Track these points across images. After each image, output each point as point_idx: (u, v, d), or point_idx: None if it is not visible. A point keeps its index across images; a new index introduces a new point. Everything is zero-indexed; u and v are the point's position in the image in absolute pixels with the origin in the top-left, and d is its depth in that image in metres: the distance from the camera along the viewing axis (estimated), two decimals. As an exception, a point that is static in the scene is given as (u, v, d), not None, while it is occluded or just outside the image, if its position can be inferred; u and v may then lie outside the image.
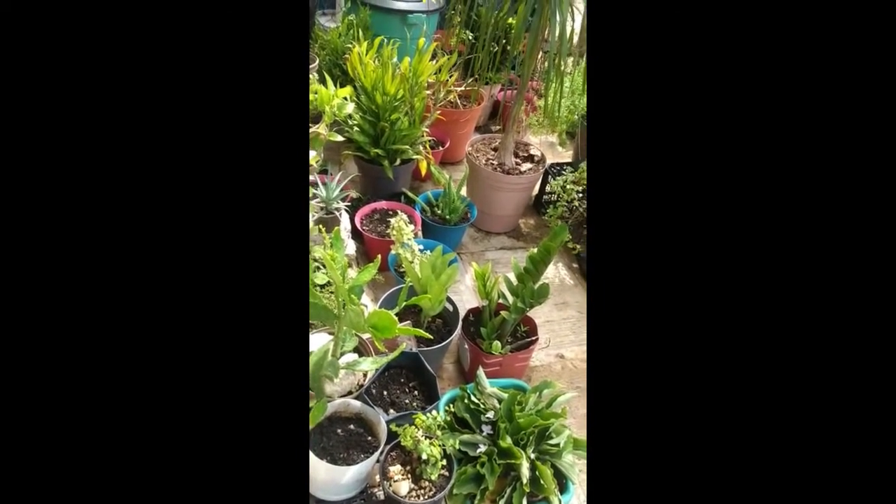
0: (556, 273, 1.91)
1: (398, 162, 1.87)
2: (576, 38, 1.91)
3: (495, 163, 1.95)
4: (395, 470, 1.06)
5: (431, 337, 1.14)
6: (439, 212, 1.83)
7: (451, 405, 1.20)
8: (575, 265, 1.94)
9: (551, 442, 1.17)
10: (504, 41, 2.33)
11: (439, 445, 1.03)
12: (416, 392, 1.24)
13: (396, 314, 1.25)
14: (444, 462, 1.04)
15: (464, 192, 1.92)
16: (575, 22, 1.70)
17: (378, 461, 1.06)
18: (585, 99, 2.29)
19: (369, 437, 1.09)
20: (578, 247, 1.81)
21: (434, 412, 1.06)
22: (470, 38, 2.29)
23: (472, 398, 1.22)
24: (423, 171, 1.97)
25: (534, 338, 1.44)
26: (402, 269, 1.52)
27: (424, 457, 0.99)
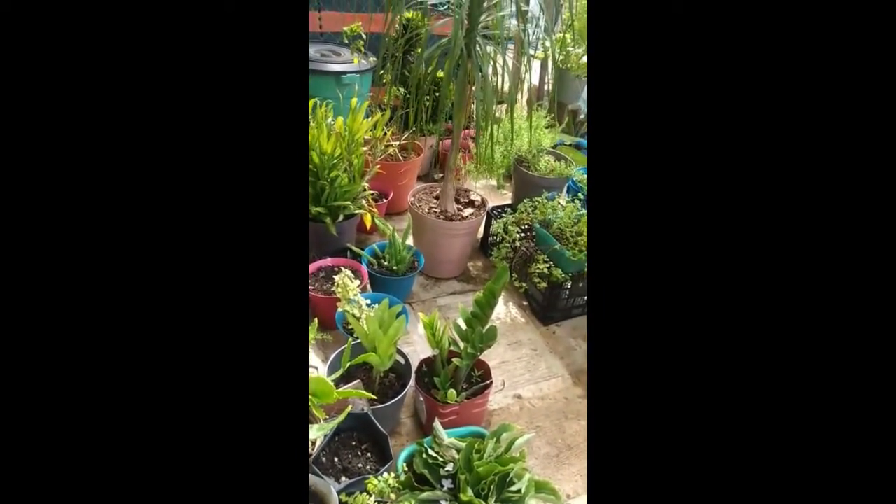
0: (507, 313, 1.93)
1: (341, 218, 1.88)
2: (506, 87, 2.03)
3: (438, 210, 1.99)
4: (352, 543, 1.01)
5: (375, 397, 1.11)
6: (386, 263, 1.84)
7: (410, 462, 1.17)
8: (524, 303, 1.97)
9: (513, 489, 1.15)
10: (436, 93, 2.43)
11: (395, 509, 0.99)
12: (369, 454, 1.20)
13: (344, 374, 1.23)
14: (402, 526, 1.00)
15: (410, 241, 1.94)
16: (499, 74, 1.79)
17: (332, 536, 1.00)
18: (517, 143, 2.39)
19: (322, 511, 1.04)
20: (525, 285, 1.85)
21: (386, 474, 1.03)
22: (403, 93, 2.38)
23: (430, 452, 1.19)
24: (368, 225, 1.98)
25: (488, 382, 1.44)
26: (350, 327, 1.51)
27: (379, 524, 0.95)
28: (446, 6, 1.75)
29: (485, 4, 1.69)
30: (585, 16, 2.80)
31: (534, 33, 2.29)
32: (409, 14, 2.34)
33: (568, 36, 2.78)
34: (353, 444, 1.21)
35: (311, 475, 1.07)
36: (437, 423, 1.22)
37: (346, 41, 2.30)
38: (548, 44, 2.00)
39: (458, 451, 1.19)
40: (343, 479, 1.12)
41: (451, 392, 1.35)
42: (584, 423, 1.54)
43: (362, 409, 1.21)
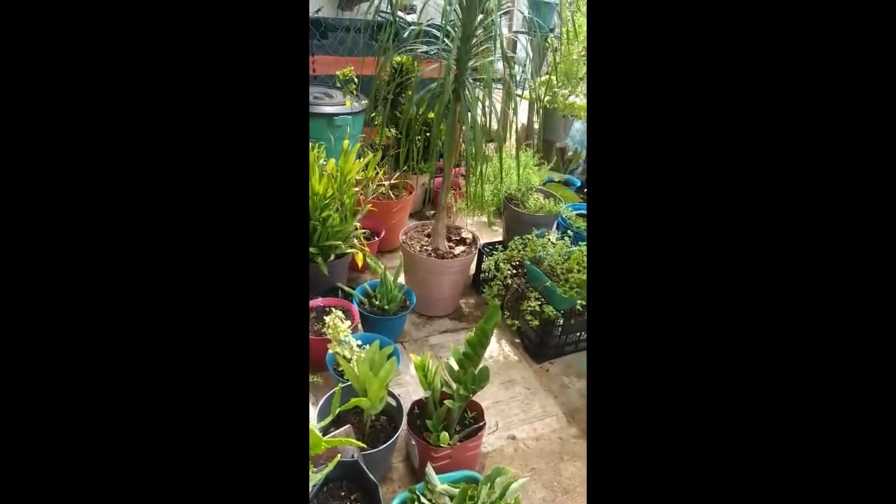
0: (500, 350, 1.92)
1: (332, 257, 1.88)
2: (495, 125, 2.08)
3: (429, 248, 2.00)
4: None
5: (365, 446, 1.09)
6: (377, 302, 1.83)
7: (402, 511, 1.14)
8: (517, 340, 1.96)
9: (508, 537, 1.12)
10: (427, 133, 2.48)
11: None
12: (359, 504, 1.16)
13: (334, 419, 1.20)
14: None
15: (402, 279, 1.94)
16: (488, 115, 1.84)
17: (321, 592, 0.96)
18: (507, 182, 2.43)
19: (310, 566, 1.00)
20: (517, 322, 1.84)
21: (378, 525, 1.00)
22: (395, 133, 2.43)
23: (422, 500, 1.16)
24: (360, 263, 1.98)
25: (481, 423, 1.42)
26: (340, 369, 1.49)
27: (370, 579, 0.92)
28: (436, 52, 1.81)
29: (473, 51, 1.75)
30: (570, 59, 2.91)
31: (521, 76, 2.37)
32: (399, 58, 2.41)
33: (554, 77, 2.87)
34: (342, 494, 1.17)
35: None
36: (429, 469, 1.19)
37: (339, 84, 2.36)
38: (534, 85, 2.07)
39: (452, 497, 1.16)
40: (332, 531, 1.09)
41: (444, 435, 1.33)
42: (579, 464, 1.51)
43: (353, 456, 1.19)
